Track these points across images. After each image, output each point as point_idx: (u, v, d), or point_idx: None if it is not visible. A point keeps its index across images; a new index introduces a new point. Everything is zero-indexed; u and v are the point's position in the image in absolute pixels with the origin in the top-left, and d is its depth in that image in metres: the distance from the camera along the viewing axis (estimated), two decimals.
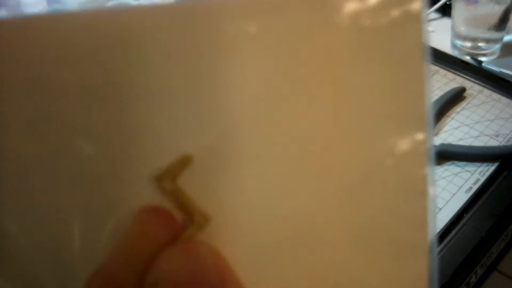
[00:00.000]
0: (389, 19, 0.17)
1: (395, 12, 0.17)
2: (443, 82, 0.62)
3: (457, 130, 0.56)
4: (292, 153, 0.19)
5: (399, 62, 0.17)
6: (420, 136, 0.17)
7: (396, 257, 0.18)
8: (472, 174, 0.51)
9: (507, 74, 0.65)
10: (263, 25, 0.18)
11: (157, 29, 0.18)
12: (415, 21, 0.17)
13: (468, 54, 0.70)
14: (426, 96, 0.17)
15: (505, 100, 0.60)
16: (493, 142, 0.54)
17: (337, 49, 0.18)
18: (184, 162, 0.18)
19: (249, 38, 0.18)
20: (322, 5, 0.17)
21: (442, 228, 0.46)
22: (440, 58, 0.64)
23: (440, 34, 0.73)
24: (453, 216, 0.47)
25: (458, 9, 0.68)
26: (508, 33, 0.70)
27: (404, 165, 0.18)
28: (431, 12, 0.79)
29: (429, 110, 0.17)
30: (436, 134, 0.55)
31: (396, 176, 0.18)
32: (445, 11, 0.78)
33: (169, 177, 0.18)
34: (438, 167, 0.51)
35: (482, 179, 0.50)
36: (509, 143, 0.54)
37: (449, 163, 0.52)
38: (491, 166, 0.51)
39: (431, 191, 0.17)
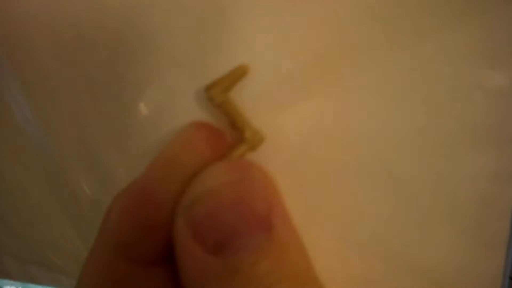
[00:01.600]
0: None
1: None
2: None
3: None
4: (364, 75, 0.16)
5: None
6: None
7: (475, 208, 0.16)
8: None
9: None
10: None
11: None
12: None
13: None
14: None
15: None
16: None
17: None
18: (238, 73, 0.16)
19: None
20: None
21: None
22: None
23: None
24: None
25: None
26: None
27: (496, 103, 0.15)
28: None
29: None
30: None
31: (487, 114, 0.15)
32: None
33: (219, 88, 0.16)
34: None
35: None
36: None
37: None
38: None
39: None
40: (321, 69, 0.16)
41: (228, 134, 0.17)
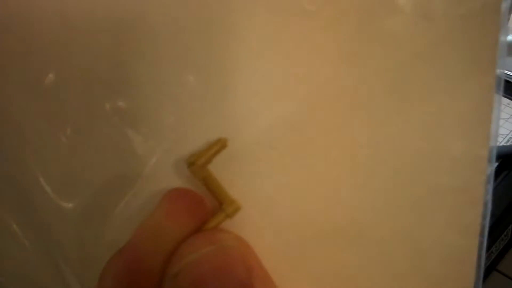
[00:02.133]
0: (466, 9, 0.15)
1: (473, 3, 0.15)
2: None
3: None
4: (338, 147, 0.17)
5: (469, 58, 0.16)
6: (481, 139, 0.16)
7: (443, 261, 0.18)
8: None
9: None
10: (321, 2, 0.16)
11: None
12: (493, 14, 0.15)
13: None
14: (491, 107, 0.16)
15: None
16: None
17: (400, 35, 0.16)
18: (218, 147, 0.17)
19: (308, 15, 0.16)
20: None
21: None
22: None
23: None
24: None
25: None
26: None
27: (461, 168, 0.17)
28: None
29: (492, 112, 0.16)
30: None
31: (452, 179, 0.17)
32: None
33: (200, 162, 0.17)
34: None
35: None
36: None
37: None
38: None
39: (487, 197, 0.17)
40: (296, 142, 0.18)
41: (207, 198, 0.18)
